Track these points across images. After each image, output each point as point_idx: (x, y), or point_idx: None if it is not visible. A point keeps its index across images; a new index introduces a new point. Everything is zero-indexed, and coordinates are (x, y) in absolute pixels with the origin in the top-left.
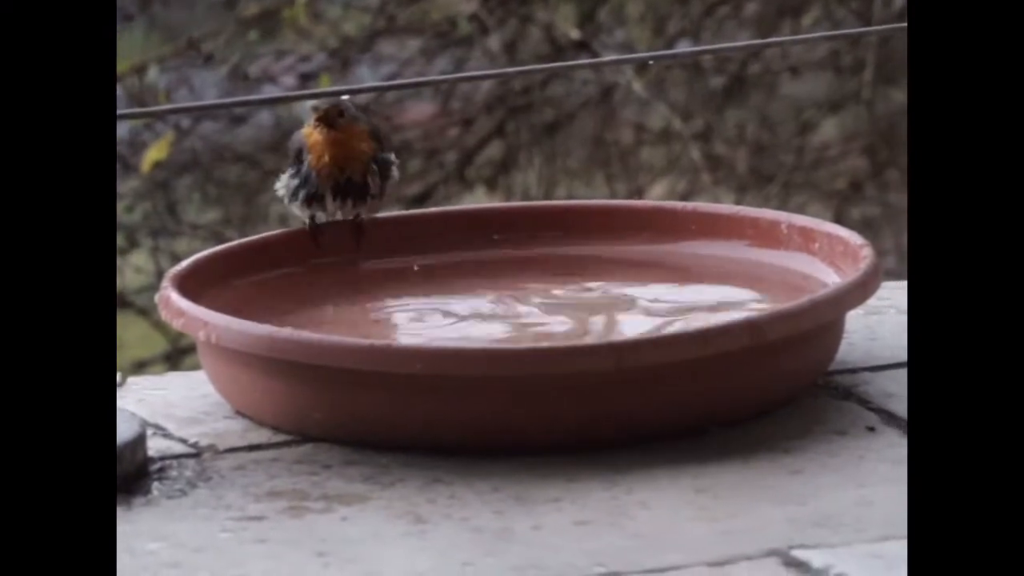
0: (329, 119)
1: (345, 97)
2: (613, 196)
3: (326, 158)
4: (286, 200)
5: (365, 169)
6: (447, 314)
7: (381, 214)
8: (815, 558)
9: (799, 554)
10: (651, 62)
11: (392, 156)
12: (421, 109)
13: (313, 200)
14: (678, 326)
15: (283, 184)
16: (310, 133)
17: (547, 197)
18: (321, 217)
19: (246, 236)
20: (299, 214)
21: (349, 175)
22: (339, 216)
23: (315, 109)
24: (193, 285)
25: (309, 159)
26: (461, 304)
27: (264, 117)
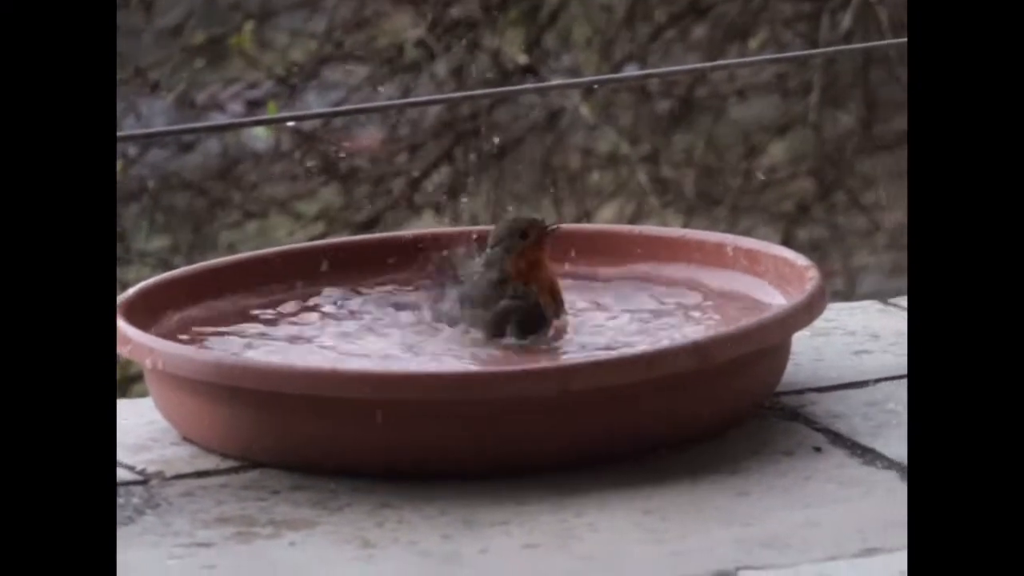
0: (541, 238)
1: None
2: (561, 220)
3: (550, 287)
4: (515, 340)
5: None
6: (404, 342)
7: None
8: None
9: (746, 575)
10: (595, 86)
11: None
12: (369, 135)
13: (527, 333)
14: (624, 349)
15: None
16: (517, 265)
17: (495, 222)
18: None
19: (194, 264)
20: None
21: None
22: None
23: (534, 230)
24: (140, 313)
25: (533, 292)
26: (411, 328)
27: (212, 144)
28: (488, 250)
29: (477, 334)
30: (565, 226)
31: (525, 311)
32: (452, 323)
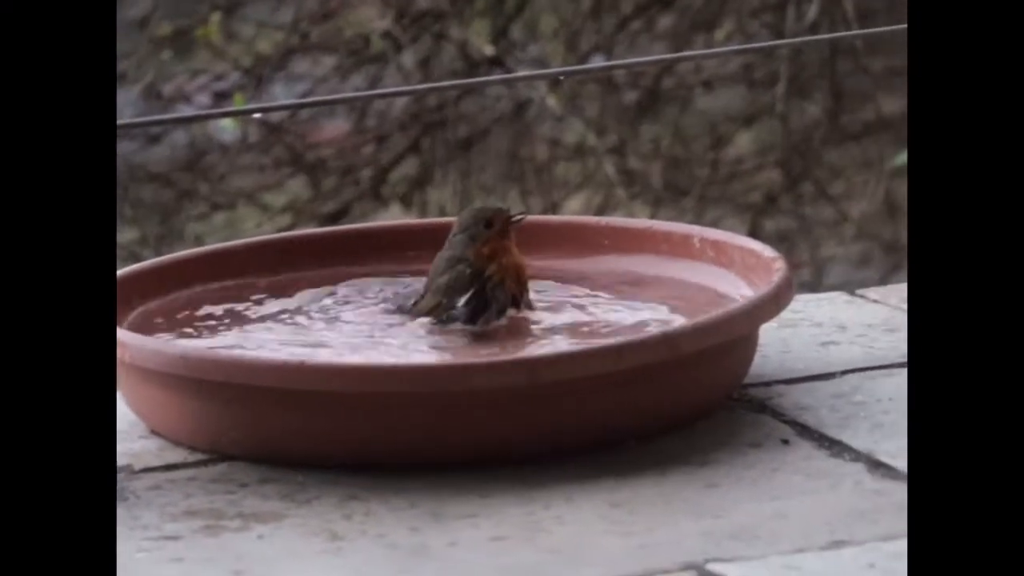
0: (510, 230)
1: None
2: (528, 211)
3: (513, 272)
4: (464, 323)
5: (524, 278)
6: (372, 335)
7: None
8: (730, 571)
9: (714, 567)
10: (562, 78)
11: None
12: (336, 126)
13: (477, 318)
14: (592, 341)
15: (458, 313)
16: (479, 252)
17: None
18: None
19: (161, 256)
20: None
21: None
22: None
23: (495, 217)
24: None
25: (492, 273)
26: (378, 318)
27: (179, 136)
28: (452, 238)
29: (432, 319)
30: (532, 217)
31: (476, 297)
32: (414, 311)
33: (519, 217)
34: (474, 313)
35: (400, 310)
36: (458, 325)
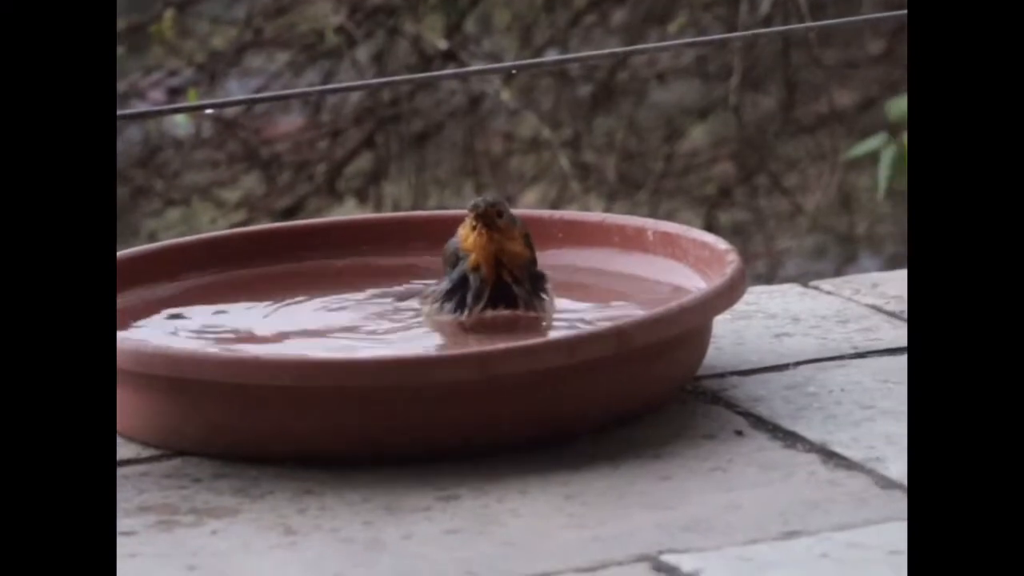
0: (489, 218)
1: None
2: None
3: (486, 259)
4: (427, 310)
5: (521, 275)
6: (326, 331)
7: (256, 227)
8: (684, 562)
9: (668, 559)
10: (515, 72)
11: (545, 274)
12: (290, 122)
13: (463, 306)
14: (545, 334)
15: (430, 292)
16: (467, 235)
17: (417, 207)
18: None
19: (117, 252)
20: (439, 318)
21: (506, 280)
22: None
23: (474, 207)
24: None
25: (467, 260)
26: (335, 313)
27: (133, 132)
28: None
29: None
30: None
31: (456, 283)
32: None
33: (479, 205)
34: (456, 303)
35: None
36: (447, 316)
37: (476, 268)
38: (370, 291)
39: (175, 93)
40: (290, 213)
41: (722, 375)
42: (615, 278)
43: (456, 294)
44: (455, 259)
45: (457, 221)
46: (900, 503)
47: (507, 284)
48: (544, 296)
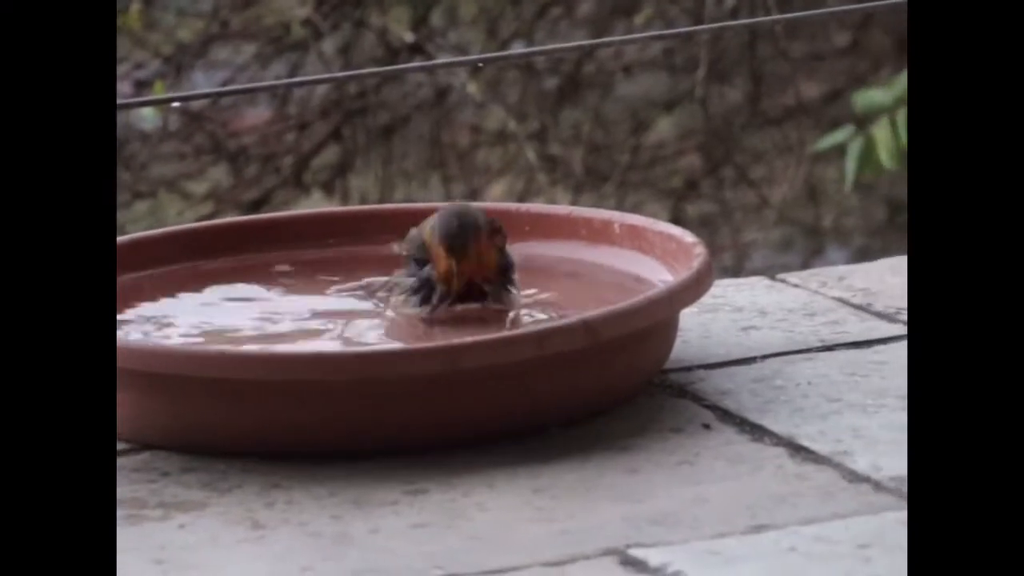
0: (465, 256)
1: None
2: (450, 198)
3: (455, 280)
4: (394, 301)
5: (491, 275)
6: (295, 324)
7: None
8: (652, 556)
9: (636, 552)
10: (480, 64)
11: (513, 262)
12: (257, 114)
13: (428, 302)
14: (513, 327)
15: (394, 284)
16: (440, 255)
17: (384, 200)
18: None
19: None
20: (405, 311)
21: (476, 280)
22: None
23: (449, 238)
24: None
25: (433, 273)
26: (303, 307)
27: None
28: None
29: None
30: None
31: (420, 284)
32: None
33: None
34: (422, 298)
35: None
36: (413, 309)
37: (443, 282)
38: (336, 286)
39: (141, 86)
40: (257, 206)
41: (689, 368)
42: (582, 270)
43: (422, 291)
44: (421, 255)
45: (424, 214)
46: (868, 496)
47: (476, 283)
48: (512, 289)
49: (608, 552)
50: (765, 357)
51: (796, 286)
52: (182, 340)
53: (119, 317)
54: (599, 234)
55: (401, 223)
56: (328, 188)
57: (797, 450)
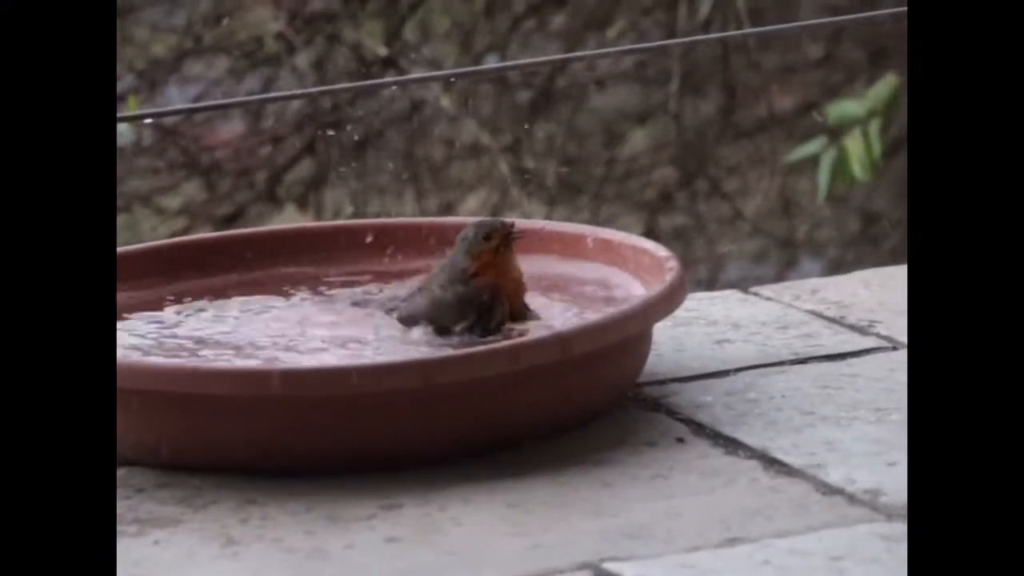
0: (507, 241)
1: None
2: (424, 212)
3: (507, 289)
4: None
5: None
6: (273, 340)
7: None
8: (626, 570)
9: (610, 566)
10: (452, 79)
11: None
12: (230, 129)
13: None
14: (488, 343)
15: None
16: (485, 255)
17: (358, 214)
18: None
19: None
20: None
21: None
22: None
23: (489, 223)
24: None
25: (487, 298)
26: (282, 323)
27: None
28: (455, 248)
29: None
30: (427, 219)
31: (476, 322)
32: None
33: (518, 231)
34: (481, 329)
35: (378, 306)
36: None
37: (497, 304)
38: (306, 299)
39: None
40: (231, 220)
41: (663, 382)
42: (555, 285)
43: (470, 331)
44: (487, 309)
45: (396, 229)
46: (841, 509)
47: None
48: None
49: (583, 566)
50: (739, 370)
51: (769, 299)
52: (157, 356)
53: None
54: (572, 248)
55: (372, 236)
56: (302, 202)
57: (771, 463)
